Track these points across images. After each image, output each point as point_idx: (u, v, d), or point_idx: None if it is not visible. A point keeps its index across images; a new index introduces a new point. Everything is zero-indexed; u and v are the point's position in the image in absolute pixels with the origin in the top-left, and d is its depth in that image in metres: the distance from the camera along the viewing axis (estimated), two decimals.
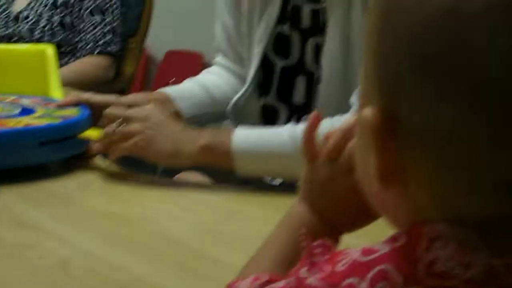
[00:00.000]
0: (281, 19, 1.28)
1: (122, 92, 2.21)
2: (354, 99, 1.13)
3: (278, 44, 1.30)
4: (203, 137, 1.11)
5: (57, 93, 1.53)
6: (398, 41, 0.41)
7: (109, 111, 1.16)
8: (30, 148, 1.13)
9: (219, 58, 1.47)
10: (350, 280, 0.42)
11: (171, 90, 1.42)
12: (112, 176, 1.16)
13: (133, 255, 0.85)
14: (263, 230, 0.93)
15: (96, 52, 2.33)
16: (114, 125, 1.11)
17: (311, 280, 0.43)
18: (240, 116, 1.38)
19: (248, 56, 1.35)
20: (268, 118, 1.34)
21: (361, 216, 0.59)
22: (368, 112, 0.42)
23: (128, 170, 1.19)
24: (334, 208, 0.60)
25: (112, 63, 2.37)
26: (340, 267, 0.43)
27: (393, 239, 0.43)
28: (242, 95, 1.35)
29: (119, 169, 1.20)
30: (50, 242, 0.89)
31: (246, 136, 1.11)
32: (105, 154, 1.19)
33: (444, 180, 0.41)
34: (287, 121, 1.30)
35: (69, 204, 1.05)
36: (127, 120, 1.11)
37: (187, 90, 1.43)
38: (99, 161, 1.22)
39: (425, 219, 0.42)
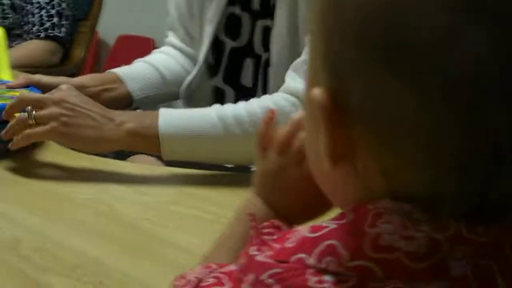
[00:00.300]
0: (232, 0, 1.28)
1: (72, 75, 2.19)
2: (288, 73, 1.12)
3: (229, 24, 1.30)
4: (128, 121, 1.06)
5: (6, 74, 1.51)
6: (343, 24, 0.42)
7: (21, 95, 1.09)
8: None
9: (170, 38, 1.46)
10: (298, 256, 0.42)
11: (121, 71, 1.41)
12: (63, 158, 1.15)
13: (85, 236, 0.86)
14: (216, 212, 0.95)
15: (41, 36, 2.29)
16: (27, 110, 1.04)
17: (261, 257, 0.44)
18: (192, 98, 1.38)
19: (200, 36, 1.35)
20: (218, 100, 1.34)
21: (314, 207, 0.59)
22: (317, 92, 0.43)
23: (80, 152, 1.18)
24: (287, 200, 0.61)
25: (58, 48, 2.34)
26: (289, 244, 0.44)
27: (341, 216, 0.43)
28: (194, 76, 1.35)
29: (70, 151, 1.18)
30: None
31: (173, 119, 1.07)
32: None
33: (392, 157, 0.42)
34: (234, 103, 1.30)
35: (19, 185, 1.04)
36: (40, 104, 1.05)
37: (138, 71, 1.42)
38: (50, 142, 1.20)
39: (372, 196, 0.43)
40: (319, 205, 0.56)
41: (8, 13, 2.30)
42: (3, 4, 2.29)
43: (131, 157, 1.34)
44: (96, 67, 3.87)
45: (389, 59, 0.40)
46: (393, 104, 0.40)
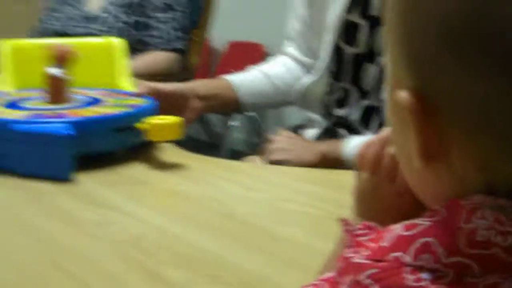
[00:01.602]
0: (350, 8, 1.29)
1: (186, 81, 2.25)
2: None
3: (347, 32, 1.30)
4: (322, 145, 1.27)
5: (124, 83, 1.57)
6: (425, 24, 0.42)
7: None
8: (108, 134, 1.16)
9: (287, 48, 1.48)
10: (394, 254, 0.42)
11: (234, 78, 1.44)
12: (180, 159, 1.19)
13: (201, 232, 0.88)
14: (324, 208, 0.96)
15: (167, 48, 2.38)
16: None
17: (357, 258, 0.43)
18: (306, 100, 1.40)
19: (319, 45, 1.36)
20: (339, 102, 1.37)
21: (409, 216, 0.58)
22: (403, 94, 0.43)
23: (195, 154, 1.22)
24: (382, 217, 0.57)
25: (180, 58, 2.41)
26: (384, 243, 0.43)
27: (433, 213, 0.43)
28: (313, 81, 1.36)
29: (187, 153, 1.23)
30: (124, 219, 0.92)
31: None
32: (175, 140, 1.23)
33: (491, 152, 0.41)
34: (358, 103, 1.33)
35: (141, 185, 1.08)
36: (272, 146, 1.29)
37: (250, 79, 1.45)
38: (168, 145, 1.24)
39: (465, 192, 0.42)
40: (414, 217, 0.55)
41: (130, 31, 2.38)
42: (125, 22, 2.38)
43: (244, 158, 1.38)
44: (208, 73, 3.94)
45: (478, 53, 0.39)
46: (486, 98, 0.40)
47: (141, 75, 1.86)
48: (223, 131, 3.75)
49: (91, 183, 1.07)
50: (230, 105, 1.46)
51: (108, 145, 1.17)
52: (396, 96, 0.44)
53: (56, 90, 1.25)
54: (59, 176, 1.07)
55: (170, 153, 1.22)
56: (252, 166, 1.25)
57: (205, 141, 3.72)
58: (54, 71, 1.25)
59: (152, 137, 1.17)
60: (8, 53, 1.59)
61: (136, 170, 1.14)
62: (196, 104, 1.39)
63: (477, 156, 0.42)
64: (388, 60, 0.47)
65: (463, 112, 0.41)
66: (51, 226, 0.91)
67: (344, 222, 0.51)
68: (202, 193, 1.04)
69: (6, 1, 3.93)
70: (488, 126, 0.41)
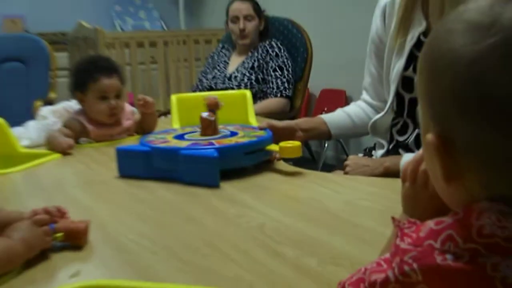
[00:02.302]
0: (407, 66, 1.28)
1: (293, 119, 2.27)
2: None
3: (405, 83, 1.30)
4: (387, 161, 1.24)
5: (252, 121, 1.61)
6: (442, 92, 0.43)
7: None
8: (239, 156, 1.17)
9: (363, 95, 1.48)
10: (428, 242, 0.43)
11: (326, 116, 1.47)
12: (289, 171, 1.19)
13: (305, 222, 0.88)
14: (385, 204, 0.94)
15: (279, 96, 2.42)
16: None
17: (403, 245, 0.44)
18: (376, 130, 1.39)
19: (385, 92, 1.36)
20: (399, 131, 1.35)
21: (439, 213, 0.57)
22: (429, 137, 0.45)
23: (299, 167, 1.22)
24: (423, 213, 0.56)
25: (288, 102, 2.45)
26: (421, 233, 0.44)
27: (455, 214, 0.44)
28: (380, 116, 1.36)
29: (294, 167, 1.22)
30: (252, 213, 0.93)
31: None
32: (283, 158, 1.24)
33: (489, 175, 0.43)
34: (413, 131, 1.31)
35: (265, 190, 1.09)
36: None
37: (337, 117, 1.48)
38: (280, 163, 1.25)
39: (473, 200, 0.43)
40: (443, 211, 0.55)
41: (254, 85, 2.44)
42: (251, 79, 2.44)
43: (333, 170, 1.38)
44: (308, 112, 3.94)
45: (476, 113, 0.41)
46: (484, 142, 0.41)
47: (261, 115, 1.90)
48: (319, 150, 3.74)
49: (231, 188, 1.09)
50: (323, 135, 1.48)
51: (242, 163, 1.19)
52: (425, 137, 0.46)
53: (207, 127, 1.30)
54: (210, 184, 1.09)
55: (283, 167, 1.23)
56: (339, 176, 1.25)
57: (306, 158, 3.72)
58: (205, 114, 1.30)
59: (282, 155, 1.19)
60: (175, 103, 1.67)
61: (261, 180, 1.15)
62: (300, 134, 1.41)
63: (482, 179, 0.43)
64: (420, 110, 0.48)
65: (470, 151, 0.42)
66: (206, 218, 0.93)
67: (395, 219, 0.52)
68: (306, 195, 1.04)
69: (175, 68, 4.07)
70: (488, 160, 0.42)
